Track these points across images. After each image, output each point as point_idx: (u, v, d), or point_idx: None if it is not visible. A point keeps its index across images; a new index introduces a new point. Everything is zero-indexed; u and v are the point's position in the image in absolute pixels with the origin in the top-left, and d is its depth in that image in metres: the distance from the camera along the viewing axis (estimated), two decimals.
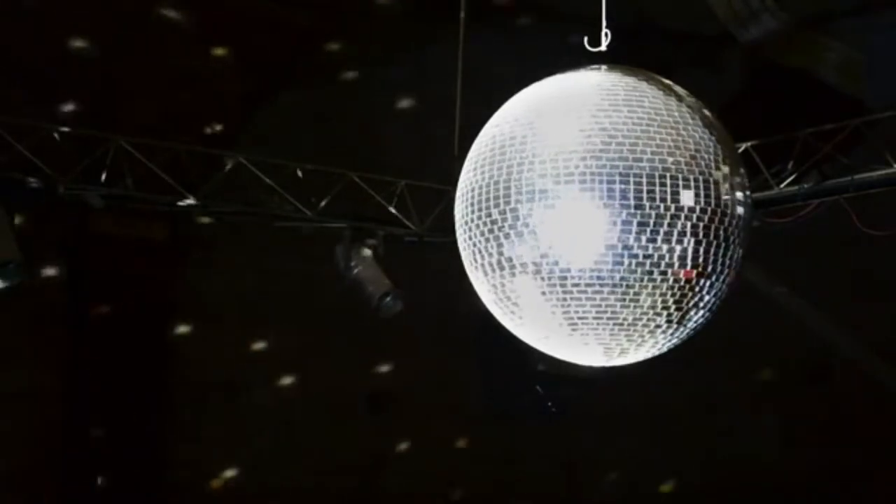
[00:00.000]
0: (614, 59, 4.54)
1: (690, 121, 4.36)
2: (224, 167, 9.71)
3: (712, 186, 4.30)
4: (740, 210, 4.38)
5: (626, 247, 4.23)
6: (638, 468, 12.69)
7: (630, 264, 4.25)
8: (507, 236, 4.34)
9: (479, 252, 4.42)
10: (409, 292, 9.84)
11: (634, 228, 4.23)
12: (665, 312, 4.36)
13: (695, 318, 4.43)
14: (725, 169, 4.35)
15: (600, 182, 4.22)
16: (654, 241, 4.24)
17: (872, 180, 9.23)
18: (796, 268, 11.47)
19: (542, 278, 4.31)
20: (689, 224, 4.26)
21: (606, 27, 4.57)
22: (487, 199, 4.37)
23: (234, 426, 11.66)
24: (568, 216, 4.25)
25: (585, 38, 4.57)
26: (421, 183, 9.88)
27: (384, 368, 12.05)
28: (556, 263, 4.28)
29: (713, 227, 4.31)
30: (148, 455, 11.46)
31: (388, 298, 9.75)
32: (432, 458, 12.14)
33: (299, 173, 9.69)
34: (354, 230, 9.86)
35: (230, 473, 11.79)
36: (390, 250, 9.94)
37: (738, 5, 9.91)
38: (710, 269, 4.35)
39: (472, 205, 4.42)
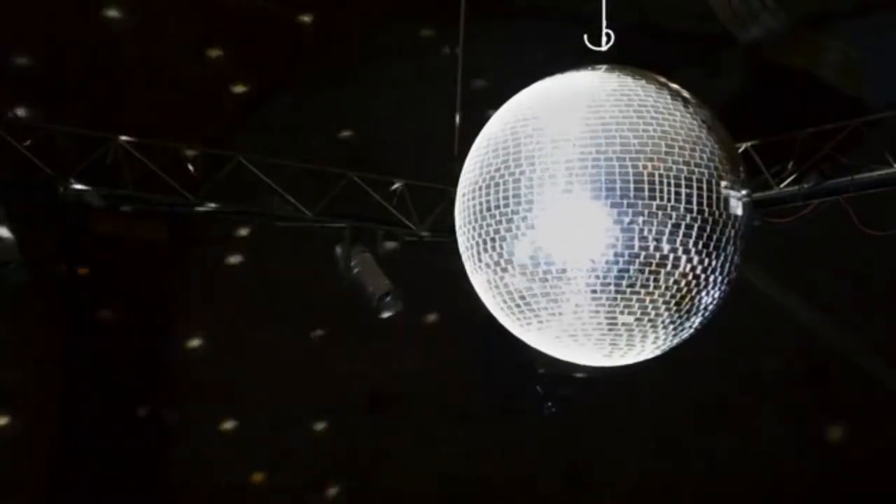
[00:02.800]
0: (614, 59, 4.54)
1: (702, 123, 4.37)
2: (224, 167, 9.71)
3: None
4: (742, 211, 4.39)
5: (685, 250, 4.24)
6: (638, 468, 12.68)
7: (684, 268, 4.25)
8: (559, 235, 4.29)
9: (509, 250, 4.36)
10: (409, 292, 9.84)
11: (695, 232, 4.23)
12: (700, 315, 4.37)
13: (698, 318, 4.45)
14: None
15: (668, 185, 4.20)
16: (707, 246, 4.25)
17: (872, 180, 9.23)
18: (796, 268, 11.46)
19: (598, 276, 4.27)
20: (733, 231, 4.28)
21: (607, 27, 4.57)
22: (540, 195, 4.30)
23: (235, 426, 11.65)
24: (623, 217, 4.23)
25: (585, 37, 4.57)
26: (421, 183, 9.88)
27: (384, 368, 12.03)
28: (616, 263, 4.25)
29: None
30: (148, 455, 11.45)
31: (388, 298, 9.75)
32: (432, 458, 12.13)
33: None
34: (354, 230, 9.86)
35: (230, 473, 11.78)
36: (390, 250, 9.95)
37: (738, 5, 9.90)
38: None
39: (502, 201, 4.35)
